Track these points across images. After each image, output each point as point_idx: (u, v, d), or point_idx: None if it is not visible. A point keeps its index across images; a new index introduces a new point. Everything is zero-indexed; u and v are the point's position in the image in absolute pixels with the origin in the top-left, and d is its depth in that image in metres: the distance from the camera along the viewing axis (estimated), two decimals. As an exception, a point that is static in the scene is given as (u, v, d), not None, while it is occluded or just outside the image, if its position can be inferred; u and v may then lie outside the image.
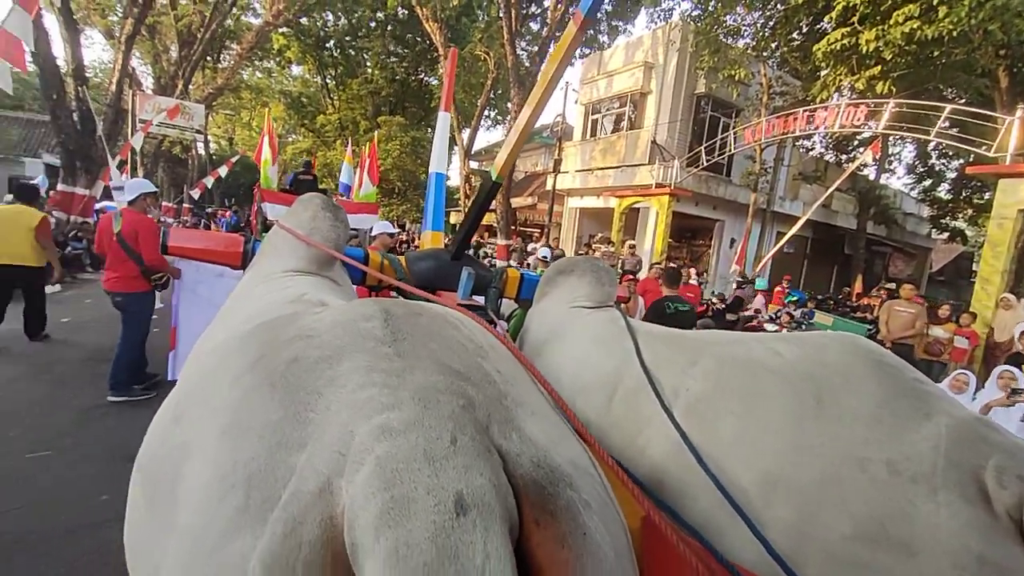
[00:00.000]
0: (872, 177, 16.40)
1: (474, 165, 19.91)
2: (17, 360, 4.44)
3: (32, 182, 7.68)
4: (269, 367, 0.63)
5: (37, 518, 2.40)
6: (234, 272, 1.90)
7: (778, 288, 10.15)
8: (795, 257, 17.84)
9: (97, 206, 11.69)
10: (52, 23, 10.67)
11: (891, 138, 13.39)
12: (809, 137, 15.58)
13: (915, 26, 7.49)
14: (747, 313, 7.85)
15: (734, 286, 9.89)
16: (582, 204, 16.78)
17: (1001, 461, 0.66)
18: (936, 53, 8.40)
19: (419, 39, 22.59)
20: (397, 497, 0.43)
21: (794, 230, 9.32)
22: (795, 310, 7.65)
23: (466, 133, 17.66)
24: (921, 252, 20.80)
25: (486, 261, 13.59)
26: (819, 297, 12.83)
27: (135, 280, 3.78)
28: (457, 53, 3.23)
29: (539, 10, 17.04)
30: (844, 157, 17.25)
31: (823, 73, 9.70)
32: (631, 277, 6.46)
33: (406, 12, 21.52)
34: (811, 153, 17.77)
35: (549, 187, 15.85)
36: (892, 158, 17.88)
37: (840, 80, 9.08)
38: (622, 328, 1.25)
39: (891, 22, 7.74)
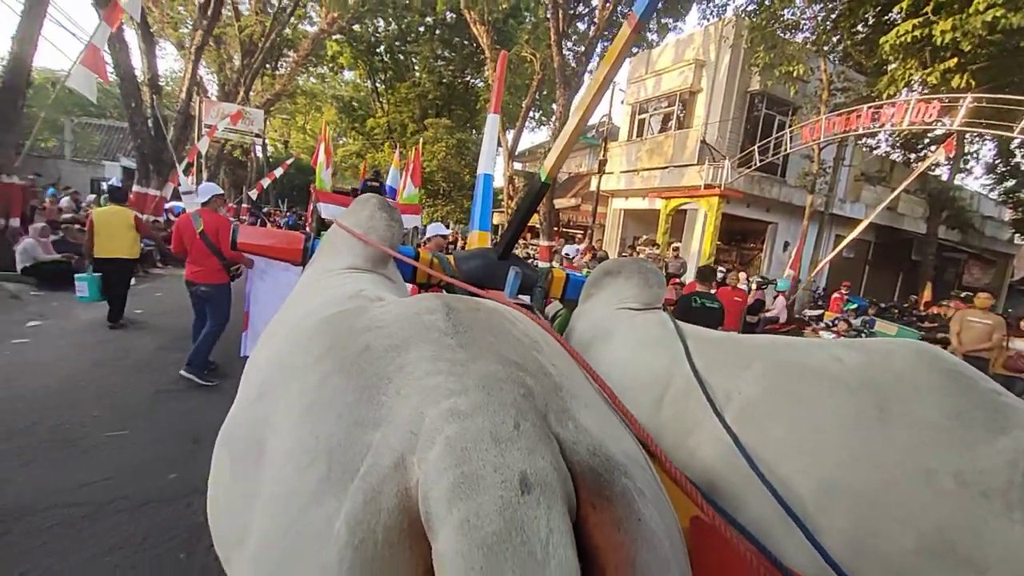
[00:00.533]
0: (944, 178, 15.24)
1: (517, 166, 19.96)
2: (99, 347, 4.82)
3: (112, 183, 8.71)
4: (343, 354, 0.68)
5: (116, 490, 2.60)
6: (296, 267, 2.01)
7: (836, 295, 9.60)
8: (855, 263, 16.84)
9: (166, 206, 12.58)
10: (131, 37, 11.55)
11: (968, 135, 12.38)
12: (874, 135, 14.69)
13: (998, 14, 6.89)
14: (769, 314, 7.44)
15: (787, 288, 9.44)
16: (627, 205, 16.50)
17: None
18: (1022, 43, 7.70)
19: (466, 42, 22.92)
20: (467, 473, 0.47)
21: (855, 233, 8.78)
22: (855, 318, 7.21)
23: (510, 134, 17.73)
24: (1001, 259, 19.15)
25: (529, 262, 13.57)
26: (882, 305, 12.06)
27: (217, 272, 4.27)
28: (507, 56, 3.25)
29: (587, 10, 16.90)
30: (913, 156, 16.11)
31: (891, 67, 9.09)
32: (676, 280, 6.29)
33: (454, 16, 21.89)
34: (875, 152, 16.73)
35: (593, 188, 15.70)
36: (968, 157, 16.50)
37: (910, 74, 8.48)
38: (671, 330, 1.24)
39: (970, 10, 7.16)
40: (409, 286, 1.93)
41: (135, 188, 11.54)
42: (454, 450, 0.49)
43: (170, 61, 32.76)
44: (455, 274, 1.93)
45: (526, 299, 1.98)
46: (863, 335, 6.87)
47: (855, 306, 8.16)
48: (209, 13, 12.83)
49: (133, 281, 6.77)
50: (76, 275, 5.51)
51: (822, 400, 0.84)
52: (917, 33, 7.74)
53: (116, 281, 5.54)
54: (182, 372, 4.16)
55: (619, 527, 0.50)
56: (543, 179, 1.86)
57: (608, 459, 0.54)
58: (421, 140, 14.60)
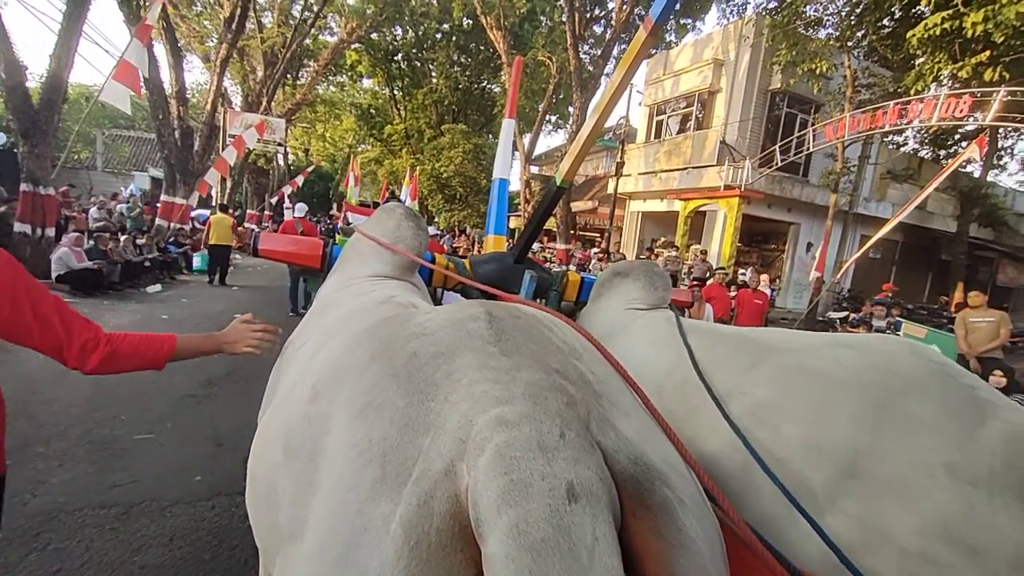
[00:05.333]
0: (976, 174, 14.72)
1: (534, 170, 19.97)
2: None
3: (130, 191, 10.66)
4: (392, 360, 0.72)
5: (144, 492, 2.66)
6: None
7: (878, 297, 9.29)
8: (882, 263, 16.36)
9: (192, 214, 12.94)
10: (160, 51, 11.95)
11: (1001, 130, 11.94)
12: (900, 132, 14.26)
13: (1033, 4, 6.65)
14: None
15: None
16: (644, 208, 16.35)
17: None
18: (1059, 34, 7.40)
19: (482, 48, 23.08)
20: (516, 481, 0.48)
21: (883, 232, 8.50)
22: (883, 319, 6.98)
23: (527, 138, 17.76)
24: (1038, 258, 18.37)
25: (546, 265, 13.55)
26: (910, 307, 11.66)
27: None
28: (522, 62, 3.31)
29: (603, 13, 16.86)
30: (943, 153, 15.59)
31: (919, 62, 8.83)
32: (698, 283, 6.20)
33: (470, 22, 22.07)
34: (902, 150, 16.24)
35: (610, 191, 15.60)
36: (1002, 152, 15.90)
37: (940, 68, 8.22)
38: (676, 327, 1.30)
39: (1003, 1, 6.91)
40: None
41: (163, 197, 11.90)
42: (503, 458, 0.50)
43: (196, 74, 33.73)
44: (470, 278, 1.94)
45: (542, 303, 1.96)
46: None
47: (880, 303, 7.88)
48: (234, 27, 13.19)
49: (157, 289, 7.06)
50: (195, 253, 10.46)
51: (828, 401, 0.91)
52: (947, 26, 7.49)
53: (220, 258, 9.46)
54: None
55: (659, 535, 0.52)
56: (559, 183, 1.89)
57: (649, 468, 0.56)
58: (417, 168, 15.15)
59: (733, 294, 7.46)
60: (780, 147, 10.87)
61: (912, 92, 8.64)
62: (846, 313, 10.42)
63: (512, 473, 0.49)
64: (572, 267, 12.22)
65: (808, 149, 10.65)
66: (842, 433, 0.86)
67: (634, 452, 0.57)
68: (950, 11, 7.58)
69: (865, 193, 14.17)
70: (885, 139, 13.92)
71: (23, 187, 7.22)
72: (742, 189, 11.04)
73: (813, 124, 11.76)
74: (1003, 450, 0.75)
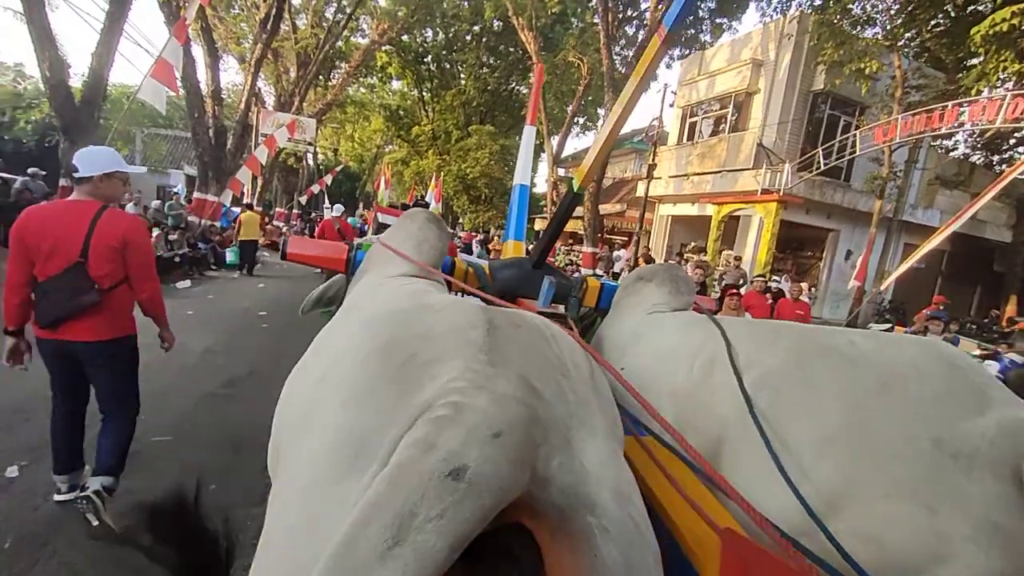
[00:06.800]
0: (1034, 181, 13.80)
1: (562, 172, 19.71)
2: (148, 350, 4.91)
3: (176, 190, 11.18)
4: (392, 358, 0.75)
5: (159, 498, 2.54)
6: None
7: (927, 310, 8.68)
8: (927, 273, 15.50)
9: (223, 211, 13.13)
10: (197, 52, 12.20)
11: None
12: (950, 136, 13.49)
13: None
14: None
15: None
16: (674, 211, 15.91)
17: None
18: None
19: (511, 49, 22.99)
20: (421, 440, 0.54)
21: (934, 243, 7.96)
22: (939, 334, 6.48)
23: (555, 140, 17.53)
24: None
25: (571, 268, 13.34)
26: (958, 320, 10.95)
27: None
28: (544, 68, 3.40)
29: (635, 13, 16.52)
30: (996, 158, 14.69)
31: (980, 60, 8.26)
32: (735, 291, 5.86)
33: (500, 24, 22.02)
34: (952, 154, 15.38)
35: (639, 194, 15.24)
36: (1063, 159, 14.89)
37: (1005, 67, 7.64)
38: (704, 318, 1.38)
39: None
40: None
41: (195, 194, 12.13)
42: (436, 423, 0.56)
43: (232, 74, 34.68)
44: (488, 283, 1.98)
45: (561, 308, 1.98)
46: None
47: (937, 318, 7.35)
48: (269, 27, 13.38)
49: (186, 284, 7.12)
50: (226, 248, 10.94)
51: (832, 373, 0.96)
52: (1015, 21, 6.95)
53: (249, 252, 10.49)
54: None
55: (575, 558, 0.56)
56: (576, 189, 1.91)
57: (577, 498, 0.59)
58: (443, 173, 15.43)
59: (769, 302, 7.08)
60: (823, 150, 10.35)
61: (973, 92, 8.08)
62: (890, 325, 9.84)
63: (432, 436, 0.54)
64: (599, 271, 11.93)
65: (854, 152, 10.10)
66: (835, 400, 0.91)
67: (568, 483, 0.59)
68: (1018, 6, 7.04)
69: (911, 200, 13.44)
70: (934, 143, 13.18)
71: (62, 181, 7.38)
72: (781, 194, 10.56)
73: (857, 127, 11.19)
74: (994, 434, 0.77)
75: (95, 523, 2.25)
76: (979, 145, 14.83)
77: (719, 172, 13.18)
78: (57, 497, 2.40)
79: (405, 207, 14.58)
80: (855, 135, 10.12)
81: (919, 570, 0.74)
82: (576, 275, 2.43)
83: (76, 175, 2.17)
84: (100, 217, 2.14)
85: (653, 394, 1.15)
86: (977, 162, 15.19)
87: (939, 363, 0.91)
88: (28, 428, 3.09)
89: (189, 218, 11.66)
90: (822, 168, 10.46)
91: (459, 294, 2.04)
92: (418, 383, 0.67)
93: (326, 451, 0.66)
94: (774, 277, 9.98)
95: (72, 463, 2.41)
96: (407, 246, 1.55)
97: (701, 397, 1.13)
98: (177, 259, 8.86)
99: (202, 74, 12.03)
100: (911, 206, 13.50)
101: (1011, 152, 14.05)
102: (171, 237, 9.50)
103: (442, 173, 20.83)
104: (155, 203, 12.51)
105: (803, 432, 0.91)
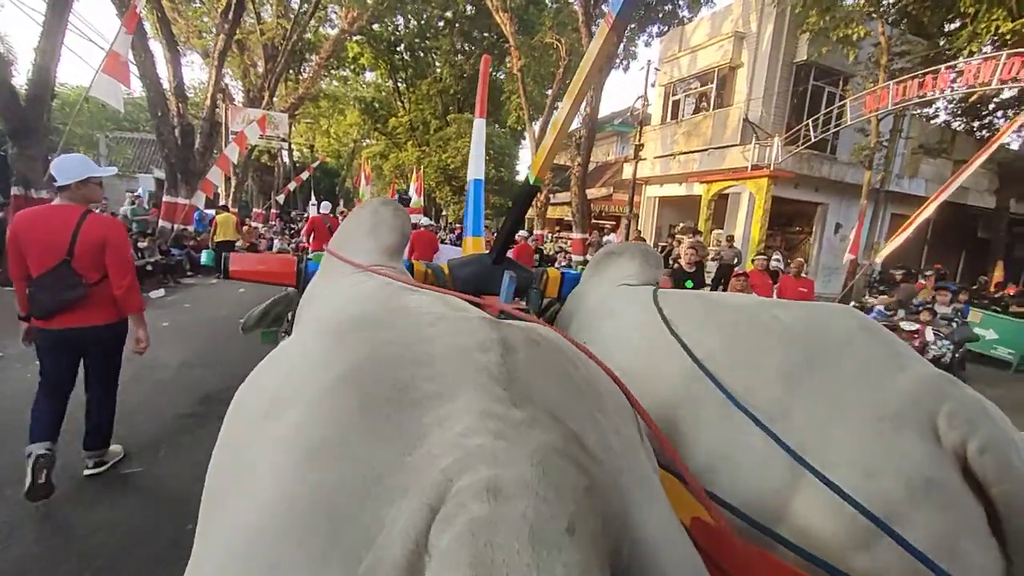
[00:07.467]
0: (1015, 146, 13.87)
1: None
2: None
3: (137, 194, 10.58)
4: (376, 390, 0.55)
5: (124, 544, 2.23)
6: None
7: (921, 283, 8.61)
8: (913, 243, 15.55)
9: (196, 214, 12.55)
10: (157, 48, 11.51)
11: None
12: (931, 103, 13.42)
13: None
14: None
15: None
16: (661, 192, 15.72)
17: (952, 407, 0.80)
18: None
19: (486, 34, 22.44)
20: (453, 550, 0.36)
21: (929, 211, 7.84)
22: (947, 305, 6.36)
23: (536, 125, 17.12)
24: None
25: (562, 256, 13.06)
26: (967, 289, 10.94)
27: None
28: (490, 60, 3.35)
29: (612, -10, 16.11)
30: (976, 124, 14.71)
31: (970, 20, 8.08)
32: (742, 273, 5.65)
33: (473, 8, 21.42)
34: (932, 122, 15.37)
35: (624, 176, 14.96)
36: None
37: (998, 25, 7.47)
38: (651, 297, 1.38)
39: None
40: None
41: (165, 198, 11.50)
42: (475, 541, 0.37)
43: (196, 70, 33.49)
44: (447, 283, 1.92)
45: (522, 303, 1.99)
46: (954, 324, 6.06)
47: (945, 287, 7.25)
48: (230, 17, 12.71)
49: (160, 294, 6.73)
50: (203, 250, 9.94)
51: (763, 352, 1.02)
52: (1005, -21, 6.79)
53: (225, 256, 9.43)
54: None
55: None
56: (532, 180, 1.86)
57: None
58: (422, 166, 15.02)
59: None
60: (812, 122, 10.16)
61: (966, 53, 7.91)
62: (886, 298, 9.78)
63: (479, 568, 0.35)
64: (590, 256, 11.68)
65: (844, 123, 9.92)
66: (771, 384, 0.95)
67: (649, 569, 0.45)
68: (1008, -37, 6.86)
69: (896, 170, 13.40)
70: (917, 111, 13.12)
71: (14, 191, 6.85)
72: (771, 169, 10.37)
73: (842, 97, 11.03)
74: (911, 391, 0.83)
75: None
76: (959, 112, 14.84)
77: (706, 150, 12.97)
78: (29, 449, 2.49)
79: (387, 202, 14.41)
80: (845, 104, 9.94)
81: (874, 535, 0.74)
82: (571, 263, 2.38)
83: (56, 184, 2.46)
84: (84, 220, 2.44)
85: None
86: (958, 129, 15.20)
87: (859, 330, 0.97)
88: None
89: (160, 223, 11.10)
90: (812, 140, 10.30)
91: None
92: (418, 433, 0.49)
93: (280, 522, 0.45)
94: (775, 256, 9.84)
95: (50, 434, 2.55)
96: (361, 234, 1.42)
97: (650, 375, 1.16)
98: (149, 267, 8.35)
99: (163, 70, 11.37)
100: (897, 176, 13.47)
101: (990, 117, 14.07)
102: (140, 244, 8.97)
103: (422, 165, 20.36)
104: (123, 208, 11.89)
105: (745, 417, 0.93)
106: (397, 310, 0.86)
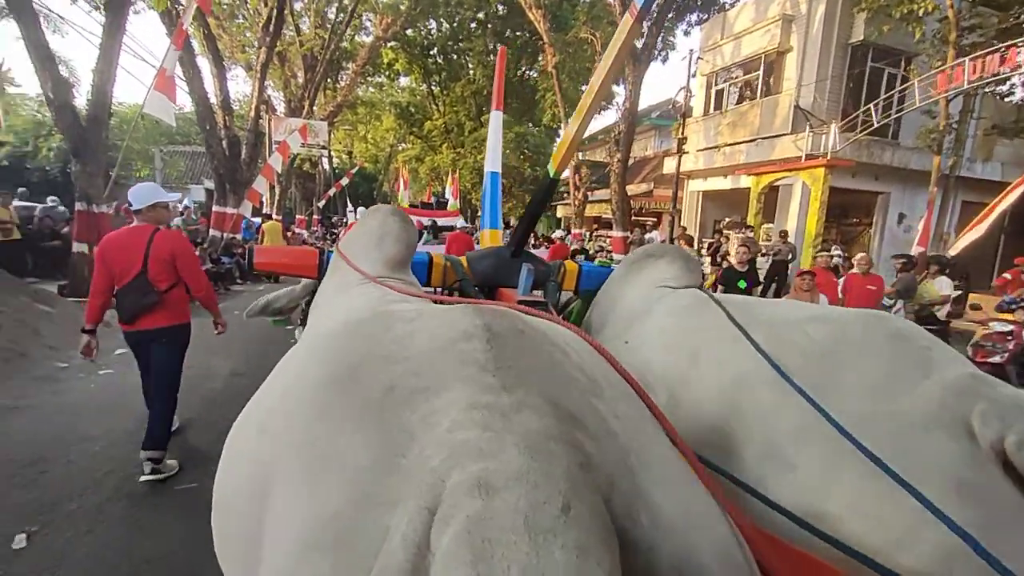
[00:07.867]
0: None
1: (580, 155, 19.00)
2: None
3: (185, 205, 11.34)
4: (358, 391, 0.57)
5: (179, 566, 2.18)
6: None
7: (999, 282, 7.84)
8: (987, 233, 14.33)
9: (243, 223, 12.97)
10: (204, 64, 11.96)
11: None
12: (1005, 80, 12.28)
13: None
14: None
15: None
16: (705, 187, 15.11)
17: (985, 406, 0.79)
18: None
19: (519, 33, 22.28)
20: (452, 552, 0.37)
21: (1013, 196, 7.09)
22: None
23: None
24: None
25: (601, 255, 12.72)
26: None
27: None
28: (506, 51, 3.34)
29: (650, -21, 15.62)
30: (1060, 100, 13.35)
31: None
32: (806, 272, 5.23)
33: (505, 8, 21.30)
34: (1008, 99, 14.09)
35: (665, 171, 14.46)
36: None
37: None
38: (706, 299, 1.39)
39: None
40: None
41: (214, 208, 11.94)
42: (472, 539, 0.37)
43: (240, 83, 34.90)
44: (466, 276, 1.92)
45: (540, 295, 1.93)
46: (1051, 323, 5.41)
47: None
48: (271, 29, 13.07)
49: None
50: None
51: (795, 370, 0.99)
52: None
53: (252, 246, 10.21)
54: None
55: None
56: (552, 174, 1.85)
57: (700, 570, 0.44)
58: (459, 168, 14.98)
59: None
60: (874, 106, 9.44)
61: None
62: (960, 292, 8.96)
63: (479, 565, 0.35)
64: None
65: (912, 105, 9.17)
66: (800, 396, 0.93)
67: (679, 551, 0.45)
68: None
69: (967, 153, 12.35)
70: (989, 90, 12.03)
71: (77, 206, 7.18)
72: (829, 158, 9.72)
73: (905, 78, 10.21)
74: (937, 396, 0.83)
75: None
76: (1039, 87, 13.49)
77: (753, 140, 12.34)
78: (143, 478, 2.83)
79: (426, 205, 14.31)
80: (910, 86, 9.18)
81: (912, 539, 0.74)
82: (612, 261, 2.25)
83: (131, 208, 2.92)
84: (154, 238, 2.86)
85: (654, 376, 1.20)
86: (1037, 106, 13.85)
87: (883, 338, 0.98)
88: (43, 483, 2.77)
89: (211, 232, 11.52)
90: (875, 126, 9.58)
91: (442, 291, 1.99)
92: (406, 431, 0.49)
93: (292, 559, 0.47)
94: (836, 251, 9.21)
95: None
96: (368, 244, 1.42)
97: (705, 378, 1.15)
98: (200, 276, 8.65)
99: (210, 85, 11.79)
100: (968, 160, 12.41)
101: (1076, 92, 12.72)
102: (192, 254, 9.31)
103: (458, 167, 20.40)
104: (175, 221, 12.42)
105: (784, 425, 0.94)
106: (380, 314, 0.84)
